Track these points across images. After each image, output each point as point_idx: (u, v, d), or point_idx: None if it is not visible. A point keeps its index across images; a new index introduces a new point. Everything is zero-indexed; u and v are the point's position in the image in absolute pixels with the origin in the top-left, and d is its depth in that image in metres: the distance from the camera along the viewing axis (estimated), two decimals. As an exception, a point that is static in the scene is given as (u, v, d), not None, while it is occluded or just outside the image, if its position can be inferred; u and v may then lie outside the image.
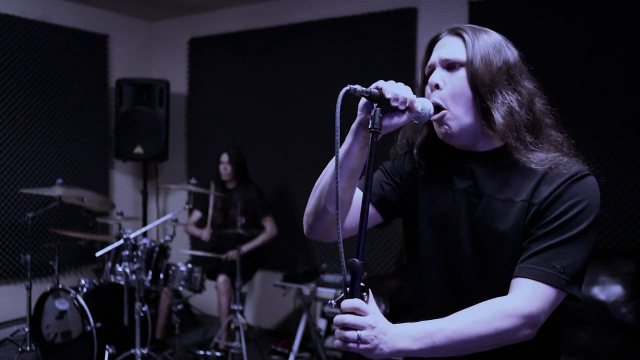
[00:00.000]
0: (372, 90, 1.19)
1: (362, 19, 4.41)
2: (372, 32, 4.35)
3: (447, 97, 1.26)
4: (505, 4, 3.84)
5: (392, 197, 1.42)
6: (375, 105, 1.19)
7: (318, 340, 4.08)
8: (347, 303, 1.08)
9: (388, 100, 1.19)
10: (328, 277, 4.10)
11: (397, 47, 4.20)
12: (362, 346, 1.06)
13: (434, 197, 1.36)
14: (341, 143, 1.27)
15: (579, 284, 1.19)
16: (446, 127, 1.27)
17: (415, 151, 1.40)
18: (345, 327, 1.07)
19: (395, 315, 3.39)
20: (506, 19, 3.80)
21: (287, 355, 4.04)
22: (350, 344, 1.06)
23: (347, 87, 1.16)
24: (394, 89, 1.20)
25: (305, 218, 1.39)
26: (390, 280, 3.80)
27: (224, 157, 4.29)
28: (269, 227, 4.27)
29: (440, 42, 1.32)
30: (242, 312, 3.98)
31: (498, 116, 1.22)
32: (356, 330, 1.06)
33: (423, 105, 1.25)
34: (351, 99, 1.20)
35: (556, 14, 3.70)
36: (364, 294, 1.10)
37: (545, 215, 1.20)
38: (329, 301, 1.15)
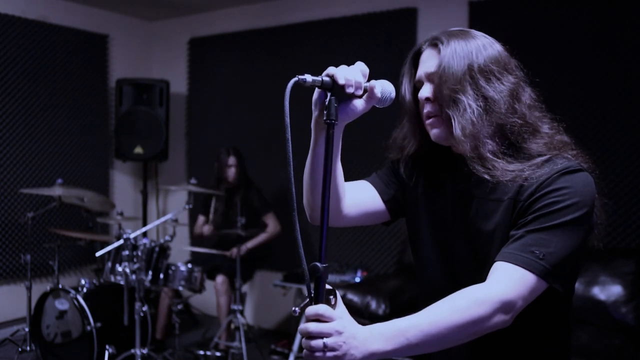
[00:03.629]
0: (323, 78, 1.13)
1: (362, 19, 4.41)
2: (372, 32, 4.36)
3: (438, 106, 1.24)
4: (505, 4, 3.84)
5: (400, 195, 1.42)
6: (329, 94, 1.13)
7: (318, 340, 4.07)
8: (310, 310, 1.04)
9: (342, 87, 1.13)
10: (328, 277, 4.09)
11: (397, 47, 4.20)
12: (329, 354, 1.01)
13: (431, 200, 1.36)
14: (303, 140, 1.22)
15: (559, 275, 1.13)
16: (437, 130, 1.26)
17: (402, 170, 1.39)
18: (310, 335, 1.03)
19: (395, 315, 3.39)
20: (506, 19, 3.80)
21: (287, 355, 4.03)
22: (317, 353, 1.02)
23: (296, 78, 1.08)
24: (347, 74, 1.14)
25: (305, 208, 1.40)
26: (390, 280, 3.80)
27: (232, 160, 4.25)
28: (272, 224, 4.26)
29: (423, 55, 1.29)
30: (242, 312, 3.98)
31: (457, 126, 1.19)
32: (322, 338, 1.02)
33: (383, 88, 1.20)
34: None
35: (556, 13, 3.70)
36: (331, 297, 1.05)
37: (531, 207, 1.16)
38: (293, 308, 1.09)
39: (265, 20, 4.90)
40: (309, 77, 1.10)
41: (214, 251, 4.16)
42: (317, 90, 1.18)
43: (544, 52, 3.62)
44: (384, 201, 1.41)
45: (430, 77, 1.25)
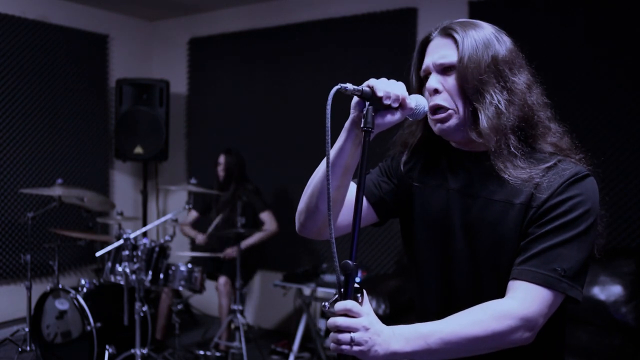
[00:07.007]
0: (363, 88, 1.17)
1: (362, 19, 4.41)
2: (372, 32, 4.35)
3: (448, 99, 1.23)
4: (505, 4, 3.85)
5: (389, 197, 1.40)
6: (367, 103, 1.17)
7: (318, 340, 4.08)
8: (340, 305, 1.06)
9: (380, 98, 1.17)
10: (328, 277, 4.10)
11: (397, 47, 4.20)
12: (355, 348, 1.04)
13: (428, 198, 1.34)
14: (333, 142, 1.24)
15: (580, 286, 1.15)
16: (446, 124, 1.24)
17: (404, 158, 1.38)
18: (339, 329, 1.05)
19: (395, 315, 3.39)
20: (506, 19, 3.78)
21: (287, 355, 4.04)
22: (344, 347, 1.05)
23: (338, 86, 1.14)
24: (386, 87, 1.17)
25: (297, 216, 1.39)
26: (390, 280, 3.80)
27: (221, 159, 4.32)
28: (268, 222, 4.24)
29: (431, 44, 1.28)
30: (242, 312, 3.98)
31: (484, 118, 1.18)
32: (349, 332, 1.04)
33: (417, 102, 1.23)
34: (345, 97, 1.19)
35: (556, 14, 3.70)
36: (358, 295, 1.08)
37: (544, 216, 1.16)
38: (323, 303, 1.14)
39: (265, 20, 4.90)
40: (350, 86, 1.15)
41: (207, 254, 4.15)
42: (355, 97, 1.21)
43: (544, 53, 3.61)
44: (370, 203, 1.39)
45: (443, 68, 1.24)
